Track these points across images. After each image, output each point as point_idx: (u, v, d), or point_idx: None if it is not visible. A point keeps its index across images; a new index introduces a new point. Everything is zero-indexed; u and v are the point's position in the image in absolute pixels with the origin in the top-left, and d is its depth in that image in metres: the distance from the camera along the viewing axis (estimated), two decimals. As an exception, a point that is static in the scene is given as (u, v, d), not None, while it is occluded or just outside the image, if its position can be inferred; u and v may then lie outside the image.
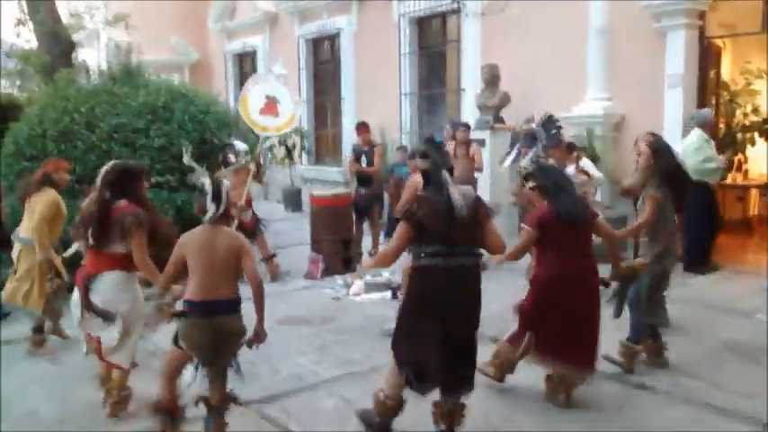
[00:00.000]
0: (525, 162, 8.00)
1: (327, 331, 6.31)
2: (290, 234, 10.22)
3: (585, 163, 7.72)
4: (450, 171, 3.98)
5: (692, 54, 8.48)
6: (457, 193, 3.86)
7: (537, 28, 9.82)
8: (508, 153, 8.64)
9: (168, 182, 8.12)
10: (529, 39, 9.90)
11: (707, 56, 8.75)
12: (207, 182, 3.89)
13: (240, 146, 8.09)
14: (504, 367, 4.77)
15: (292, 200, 13.92)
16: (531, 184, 4.74)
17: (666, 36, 8.49)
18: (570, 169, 7.40)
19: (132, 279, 4.48)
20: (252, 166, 7.91)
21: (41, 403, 4.78)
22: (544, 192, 4.62)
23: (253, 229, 7.95)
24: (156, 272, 4.31)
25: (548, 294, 4.50)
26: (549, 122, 7.60)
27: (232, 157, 8.04)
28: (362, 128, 9.44)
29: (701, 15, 8.52)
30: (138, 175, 4.60)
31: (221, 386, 3.93)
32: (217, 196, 3.85)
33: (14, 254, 5.88)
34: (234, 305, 3.84)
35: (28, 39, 12.19)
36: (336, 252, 8.52)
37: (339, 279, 8.00)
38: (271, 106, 7.95)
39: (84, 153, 8.10)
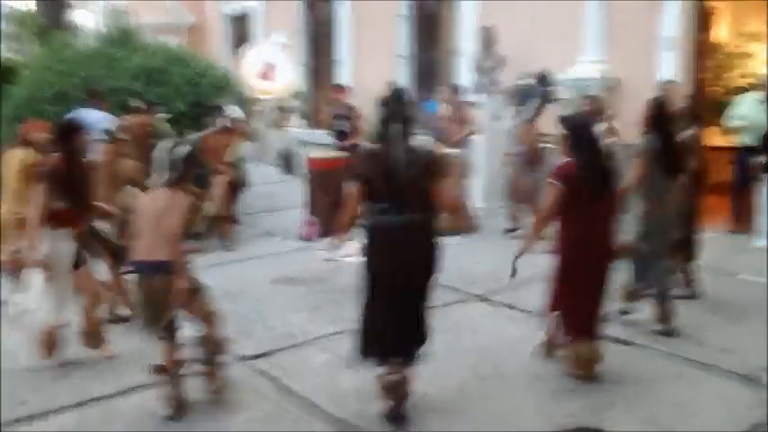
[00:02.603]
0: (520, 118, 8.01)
1: (321, 291, 6.43)
2: (285, 196, 10.29)
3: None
4: (407, 122, 3.81)
5: (687, 17, 8.48)
6: (403, 147, 3.73)
7: (533, -10, 9.78)
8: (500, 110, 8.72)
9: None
10: (526, 1, 9.86)
11: (702, 19, 8.75)
12: (164, 147, 4.04)
13: (233, 110, 8.08)
14: (579, 362, 4.42)
15: (287, 162, 13.96)
16: (562, 130, 4.42)
17: (662, -1, 8.48)
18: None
19: (48, 232, 4.54)
20: (241, 129, 7.98)
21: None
22: (574, 143, 4.29)
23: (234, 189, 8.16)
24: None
25: (574, 261, 4.25)
26: (543, 80, 7.58)
27: (222, 121, 8.08)
28: (336, 89, 9.51)
29: (697, -23, 8.51)
30: (68, 130, 4.76)
31: (168, 350, 4.01)
32: (173, 163, 3.99)
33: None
34: (170, 267, 3.85)
35: (25, 2, 12.14)
36: (332, 214, 8.57)
37: (334, 240, 8.08)
38: (267, 72, 8.03)
39: (81, 116, 8.14)
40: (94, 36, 9.73)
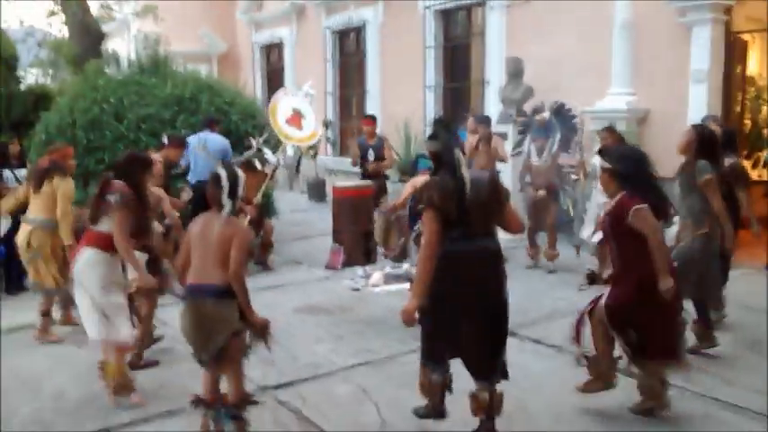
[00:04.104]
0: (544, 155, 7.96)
1: (345, 321, 6.41)
2: (313, 224, 10.34)
3: None
4: (461, 151, 3.87)
5: (718, 49, 8.41)
6: (469, 173, 3.77)
7: (562, 21, 9.80)
8: (519, 143, 8.64)
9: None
10: (553, 32, 9.89)
11: (733, 51, 8.68)
12: (223, 174, 3.91)
13: (270, 157, 8.16)
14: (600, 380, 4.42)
15: (316, 190, 14.06)
16: (605, 164, 4.24)
17: (692, 31, 8.43)
18: None
19: (106, 259, 4.57)
20: (268, 171, 8.05)
21: (67, 385, 4.95)
22: (624, 180, 4.12)
23: (258, 223, 8.17)
24: (130, 253, 4.55)
25: (643, 294, 4.13)
26: (563, 112, 7.46)
27: (257, 164, 8.15)
28: (366, 120, 9.45)
29: (728, 10, 8.44)
30: (143, 163, 4.80)
31: (236, 384, 3.93)
32: (233, 191, 3.89)
33: (22, 236, 5.96)
34: (222, 292, 3.78)
35: (60, 29, 12.42)
36: (357, 243, 8.60)
37: (359, 270, 8.09)
38: (296, 119, 8.18)
39: (113, 142, 8.29)
40: (127, 64, 9.90)
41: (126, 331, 4.60)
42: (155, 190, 5.40)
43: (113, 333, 4.56)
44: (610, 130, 7.43)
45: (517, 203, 8.66)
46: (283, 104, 8.17)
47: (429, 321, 3.90)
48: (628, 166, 4.18)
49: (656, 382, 4.32)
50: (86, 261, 4.58)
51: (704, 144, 5.16)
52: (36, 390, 4.89)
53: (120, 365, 4.60)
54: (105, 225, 4.59)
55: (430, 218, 3.72)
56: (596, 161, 6.41)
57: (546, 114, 7.97)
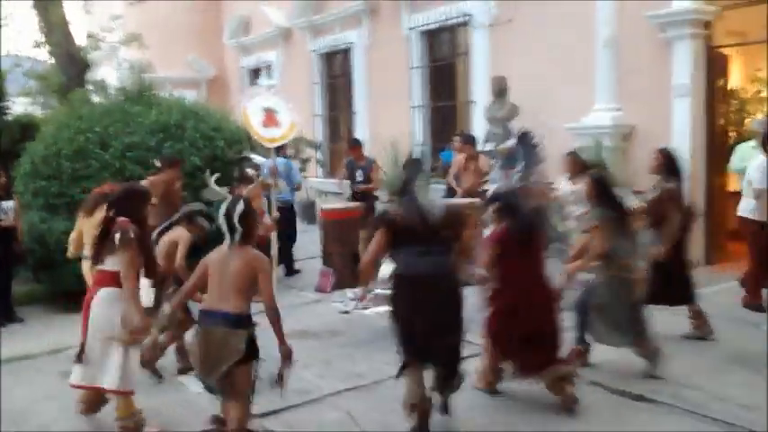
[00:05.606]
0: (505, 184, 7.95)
1: (334, 345, 6.38)
2: (303, 247, 10.28)
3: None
4: (424, 184, 4.45)
5: (699, 64, 8.48)
6: (425, 201, 4.33)
7: (545, 40, 9.87)
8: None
9: (180, 197, 8.24)
10: (537, 51, 9.96)
11: (714, 65, 8.74)
12: (222, 209, 4.05)
13: (260, 160, 8.17)
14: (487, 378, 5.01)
15: (307, 212, 14.01)
16: (493, 208, 4.98)
17: (672, 46, 8.51)
18: (576, 187, 6.87)
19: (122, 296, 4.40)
20: (269, 180, 8.02)
21: (53, 419, 4.88)
22: (501, 215, 4.88)
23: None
24: (134, 291, 4.31)
25: (507, 309, 4.72)
26: (525, 139, 7.37)
27: (251, 171, 8.16)
28: (354, 146, 9.86)
29: (707, 24, 8.52)
30: (142, 196, 4.71)
31: (237, 414, 3.98)
32: (230, 223, 3.99)
33: (84, 270, 6.05)
34: (236, 320, 3.92)
35: (47, 58, 12.40)
36: (347, 265, 8.56)
37: (349, 292, 8.06)
38: (270, 117, 7.99)
39: (98, 171, 8.22)
40: (113, 92, 9.88)
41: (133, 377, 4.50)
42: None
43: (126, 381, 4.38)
44: (573, 155, 7.31)
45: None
46: (252, 108, 7.94)
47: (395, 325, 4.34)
48: (503, 206, 4.91)
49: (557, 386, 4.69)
50: (105, 303, 4.38)
51: (597, 190, 5.26)
52: (21, 423, 4.82)
53: (129, 406, 4.47)
54: (111, 264, 4.39)
55: (380, 233, 4.36)
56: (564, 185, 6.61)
57: (510, 143, 7.93)
